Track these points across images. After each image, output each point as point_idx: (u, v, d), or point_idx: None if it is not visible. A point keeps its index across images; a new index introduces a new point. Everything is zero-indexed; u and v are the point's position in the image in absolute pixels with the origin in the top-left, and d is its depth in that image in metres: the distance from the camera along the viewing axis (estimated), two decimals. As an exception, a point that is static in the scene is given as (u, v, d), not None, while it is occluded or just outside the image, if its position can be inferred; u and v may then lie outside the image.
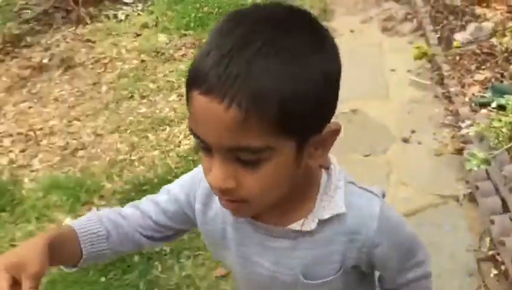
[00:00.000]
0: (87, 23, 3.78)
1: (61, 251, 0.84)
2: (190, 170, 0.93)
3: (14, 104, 3.13)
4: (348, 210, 0.79)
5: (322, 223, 0.79)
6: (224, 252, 0.88)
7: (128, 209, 0.95)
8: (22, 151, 2.77)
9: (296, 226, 0.79)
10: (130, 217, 0.94)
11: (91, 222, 0.91)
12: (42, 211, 2.34)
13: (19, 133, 2.89)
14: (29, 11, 3.86)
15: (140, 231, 0.94)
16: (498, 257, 1.89)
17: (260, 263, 0.84)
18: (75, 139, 2.81)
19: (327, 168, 0.81)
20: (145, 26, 3.73)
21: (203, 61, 0.66)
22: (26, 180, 2.56)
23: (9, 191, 2.46)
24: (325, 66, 0.69)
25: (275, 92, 0.64)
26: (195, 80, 0.67)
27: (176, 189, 0.92)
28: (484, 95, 2.68)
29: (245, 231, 0.83)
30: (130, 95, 3.08)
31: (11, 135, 2.89)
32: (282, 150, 0.68)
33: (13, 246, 2.19)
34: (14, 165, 2.67)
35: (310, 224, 0.79)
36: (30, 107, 3.10)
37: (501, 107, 2.41)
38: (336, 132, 0.73)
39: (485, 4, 3.36)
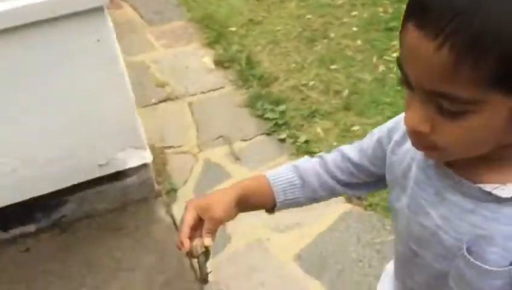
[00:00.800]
0: None
1: (252, 200, 0.95)
2: None
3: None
4: None
5: None
6: (398, 192, 0.82)
7: (332, 153, 0.97)
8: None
9: (487, 187, 0.67)
10: (329, 161, 0.96)
11: (287, 172, 0.97)
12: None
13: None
14: None
15: (337, 176, 0.95)
16: None
17: (429, 213, 0.74)
18: None
19: None
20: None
21: None
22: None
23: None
24: None
25: (499, 39, 0.54)
26: (413, 9, 0.59)
27: (380, 128, 0.89)
28: None
29: (429, 176, 0.75)
30: None
31: None
32: (493, 106, 0.58)
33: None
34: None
35: (505, 192, 0.66)
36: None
37: None
38: None
39: None
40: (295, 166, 0.98)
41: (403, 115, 0.76)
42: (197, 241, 0.88)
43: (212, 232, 0.89)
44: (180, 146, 2.60)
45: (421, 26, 0.57)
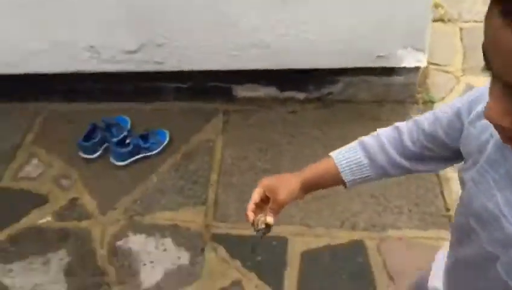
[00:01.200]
0: None
1: (321, 181, 0.98)
2: None
3: None
4: None
5: None
6: (470, 164, 0.77)
7: (407, 123, 0.94)
8: None
9: None
10: (405, 131, 0.93)
11: (353, 152, 0.96)
12: None
13: None
14: None
15: (408, 147, 0.92)
16: None
17: (495, 195, 0.69)
18: None
19: None
20: None
21: None
22: None
23: None
24: None
25: None
26: None
27: (460, 99, 0.84)
28: None
29: (505, 156, 0.69)
30: None
31: None
32: None
33: None
34: None
35: None
36: None
37: None
38: None
39: None
40: (362, 143, 0.97)
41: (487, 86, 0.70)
42: (260, 217, 0.98)
43: (275, 212, 0.98)
44: (445, 65, 2.63)
45: (505, 14, 0.50)
